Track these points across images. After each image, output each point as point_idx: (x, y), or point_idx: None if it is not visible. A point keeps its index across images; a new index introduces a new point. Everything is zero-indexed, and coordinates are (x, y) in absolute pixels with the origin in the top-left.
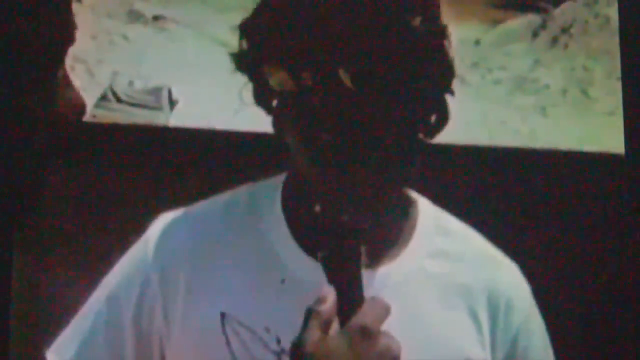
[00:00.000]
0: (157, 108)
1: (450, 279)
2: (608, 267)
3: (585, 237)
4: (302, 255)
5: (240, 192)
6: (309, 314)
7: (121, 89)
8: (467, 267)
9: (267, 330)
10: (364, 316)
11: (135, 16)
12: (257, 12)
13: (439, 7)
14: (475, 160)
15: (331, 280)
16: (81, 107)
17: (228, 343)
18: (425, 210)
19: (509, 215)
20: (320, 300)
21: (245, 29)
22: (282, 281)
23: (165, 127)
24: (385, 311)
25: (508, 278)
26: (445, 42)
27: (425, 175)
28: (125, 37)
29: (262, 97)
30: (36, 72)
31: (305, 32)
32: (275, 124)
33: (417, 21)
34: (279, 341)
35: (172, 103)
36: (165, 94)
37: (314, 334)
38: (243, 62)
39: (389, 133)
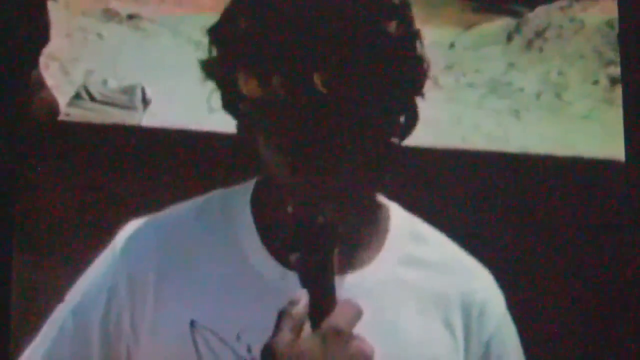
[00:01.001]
0: (131, 107)
1: (424, 286)
2: (584, 272)
3: (563, 243)
4: (272, 262)
5: (211, 198)
6: (281, 316)
7: (95, 87)
8: (441, 274)
9: (238, 338)
10: (336, 319)
11: (110, 15)
12: (226, 17)
13: (411, 10)
14: (449, 164)
15: (304, 282)
16: (54, 108)
17: (197, 351)
18: (397, 216)
19: (481, 218)
20: (293, 302)
21: (215, 35)
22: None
23: (139, 127)
24: (358, 314)
25: (482, 286)
26: (419, 46)
27: (399, 178)
28: (100, 36)
29: (230, 103)
30: (10, 71)
31: (276, 37)
32: (242, 128)
33: (392, 26)
34: (249, 349)
35: (145, 102)
36: (138, 93)
37: (286, 336)
38: (212, 69)
39: (363, 136)
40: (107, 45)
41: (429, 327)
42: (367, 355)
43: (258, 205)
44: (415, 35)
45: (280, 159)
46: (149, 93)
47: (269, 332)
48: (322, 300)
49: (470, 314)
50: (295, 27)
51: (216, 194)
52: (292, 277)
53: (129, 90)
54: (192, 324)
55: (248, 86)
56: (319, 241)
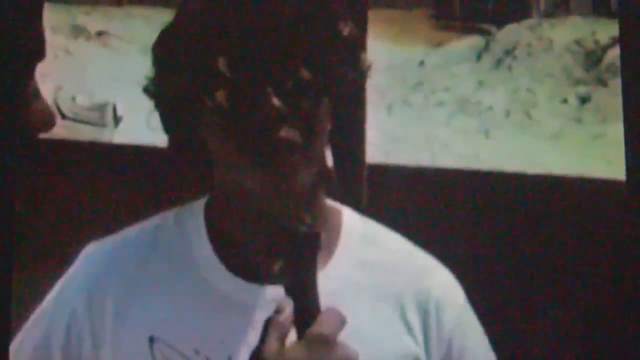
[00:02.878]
0: (102, 124)
1: (378, 288)
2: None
3: (535, 260)
4: (228, 275)
5: (166, 216)
6: (267, 324)
7: (65, 104)
8: (395, 275)
9: (197, 352)
10: (321, 326)
11: (78, 31)
12: (166, 33)
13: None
14: (419, 182)
15: (288, 290)
16: (51, 119)
17: None
18: (349, 219)
19: (452, 236)
20: (278, 310)
21: (156, 53)
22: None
23: (110, 144)
24: (342, 321)
25: (437, 282)
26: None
27: (369, 196)
28: (68, 52)
29: (174, 122)
30: (8, 83)
31: (224, 51)
32: (189, 142)
33: (346, 30)
34: None
35: (117, 120)
36: (109, 110)
37: (273, 344)
38: (155, 87)
39: (316, 141)
40: (76, 62)
41: (386, 328)
42: None
43: (212, 220)
44: (364, 39)
45: (247, 168)
46: (120, 111)
47: (228, 345)
48: (307, 308)
49: (427, 311)
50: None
51: (171, 211)
52: (247, 289)
53: (99, 108)
54: (151, 340)
55: (219, 96)
56: (302, 250)
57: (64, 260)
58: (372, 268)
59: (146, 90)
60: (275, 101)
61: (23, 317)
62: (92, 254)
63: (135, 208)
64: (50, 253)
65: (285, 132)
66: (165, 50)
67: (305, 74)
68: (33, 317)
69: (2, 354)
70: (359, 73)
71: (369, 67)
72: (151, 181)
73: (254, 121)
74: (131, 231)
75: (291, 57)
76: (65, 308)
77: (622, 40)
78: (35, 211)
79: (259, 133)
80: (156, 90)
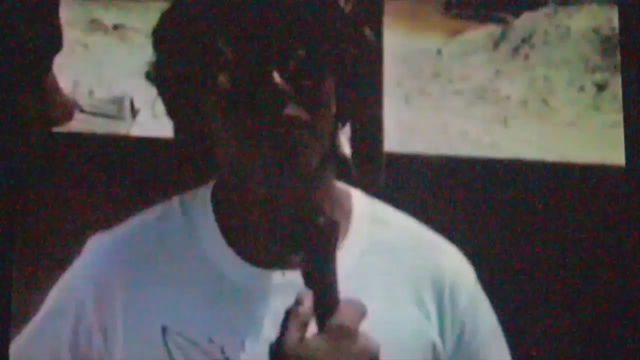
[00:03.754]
0: (119, 118)
1: (393, 272)
2: (576, 277)
3: (554, 249)
4: (238, 261)
5: (171, 204)
6: (288, 315)
7: (82, 98)
8: (408, 256)
9: (211, 341)
10: (342, 317)
11: (95, 25)
12: (167, 17)
13: None
14: (436, 171)
15: (308, 282)
16: (71, 111)
17: (171, 357)
18: (360, 201)
19: (471, 226)
20: (298, 301)
21: (157, 37)
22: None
23: (127, 137)
24: (362, 311)
25: (450, 263)
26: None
27: (387, 185)
28: (85, 46)
29: (177, 107)
30: (28, 76)
31: (225, 33)
32: (193, 129)
33: (348, 6)
34: (222, 351)
35: (134, 113)
36: (127, 103)
37: (294, 335)
38: (157, 71)
39: (322, 122)
40: (93, 56)
41: (402, 310)
42: (373, 352)
43: (220, 206)
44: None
45: (251, 155)
46: (137, 103)
47: (241, 333)
48: (327, 299)
49: (442, 292)
50: (248, 21)
51: (175, 199)
52: (259, 275)
53: (117, 101)
54: (164, 330)
55: (221, 79)
56: (321, 241)
57: (74, 253)
58: (385, 250)
59: (148, 75)
60: (279, 80)
61: (23, 315)
62: (97, 246)
63: (152, 199)
64: (59, 247)
65: (290, 110)
66: (165, 34)
67: (306, 52)
68: (39, 316)
69: (2, 355)
70: (362, 50)
71: (374, 43)
72: (167, 172)
73: (258, 101)
74: (136, 221)
75: (292, 35)
76: (73, 304)
77: (622, 36)
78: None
79: (264, 113)
80: (158, 75)
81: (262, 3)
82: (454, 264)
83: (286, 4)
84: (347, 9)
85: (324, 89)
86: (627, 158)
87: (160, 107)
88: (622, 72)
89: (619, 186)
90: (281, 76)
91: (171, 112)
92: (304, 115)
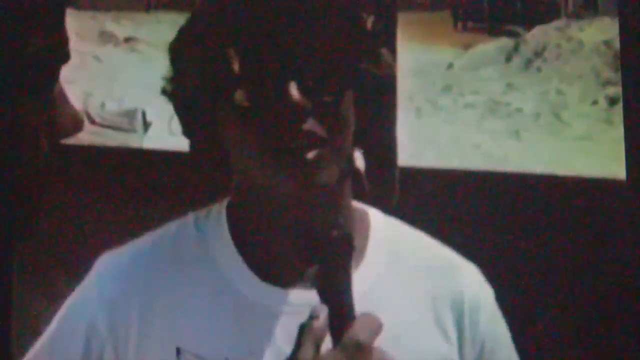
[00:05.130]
0: (131, 130)
1: (412, 289)
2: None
3: (563, 261)
4: (254, 280)
5: (185, 221)
6: (302, 330)
7: (94, 110)
8: (427, 275)
9: None
10: (357, 332)
11: (106, 37)
12: (183, 33)
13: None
14: (448, 184)
15: (322, 296)
16: (80, 121)
17: None
18: (377, 220)
19: (483, 238)
20: (313, 316)
21: (173, 53)
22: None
23: (140, 149)
24: (378, 327)
25: (469, 281)
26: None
27: (399, 198)
28: (97, 58)
29: (193, 123)
30: (34, 86)
31: (242, 48)
32: (209, 146)
33: (369, 22)
34: None
35: (146, 125)
36: (139, 116)
37: (308, 351)
38: (173, 87)
39: (340, 135)
40: (105, 68)
41: (421, 329)
42: None
43: (235, 223)
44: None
45: (271, 170)
46: (150, 116)
47: (258, 352)
48: (342, 314)
49: (462, 312)
50: (264, 35)
51: (188, 217)
52: (276, 293)
53: (129, 114)
54: (178, 351)
55: (237, 96)
56: (335, 255)
57: (85, 266)
58: (403, 268)
59: (164, 91)
60: (297, 95)
61: (23, 318)
62: (108, 265)
63: (164, 212)
64: (72, 260)
65: (308, 126)
66: (182, 50)
67: (326, 67)
68: (46, 336)
69: (3, 354)
70: (381, 68)
71: (392, 62)
72: (180, 185)
73: (276, 117)
74: (149, 238)
75: (312, 50)
76: (83, 323)
77: (622, 40)
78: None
79: (282, 128)
80: (174, 91)
81: (281, 18)
82: (473, 284)
83: (305, 18)
84: (368, 25)
85: (343, 104)
86: (627, 171)
87: (177, 124)
88: (623, 85)
89: (631, 200)
90: (299, 91)
91: (187, 127)
92: (321, 131)
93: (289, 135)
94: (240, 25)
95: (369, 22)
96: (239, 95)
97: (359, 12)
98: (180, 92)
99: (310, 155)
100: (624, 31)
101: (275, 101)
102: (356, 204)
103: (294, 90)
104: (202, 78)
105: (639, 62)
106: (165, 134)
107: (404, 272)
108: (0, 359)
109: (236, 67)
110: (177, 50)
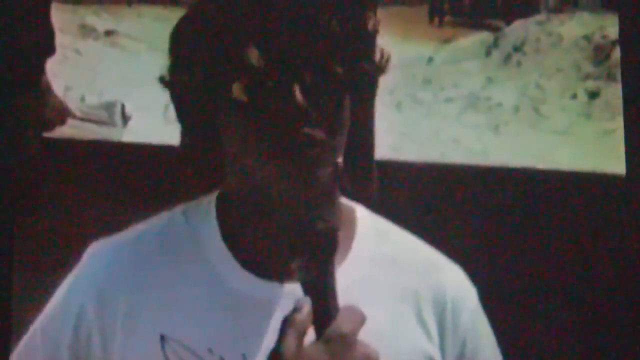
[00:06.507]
0: (110, 123)
1: (395, 286)
2: (562, 282)
3: (543, 255)
4: (241, 272)
5: (174, 213)
6: (286, 323)
7: (74, 104)
8: (411, 272)
9: (210, 351)
10: (341, 325)
11: (87, 31)
12: (184, 22)
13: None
14: (428, 178)
15: (306, 289)
16: (64, 114)
17: None
18: (363, 216)
19: (462, 232)
20: (297, 309)
21: (173, 41)
22: None
23: (119, 143)
24: (362, 319)
25: (452, 281)
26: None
27: (378, 192)
28: (77, 52)
29: (189, 114)
30: (22, 78)
31: (245, 41)
32: (200, 137)
33: (371, 23)
34: None
35: (125, 119)
36: (118, 109)
37: (291, 343)
38: (171, 76)
39: (338, 137)
40: (85, 62)
41: (403, 325)
42: None
43: (224, 216)
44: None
45: (267, 164)
46: (129, 109)
47: (241, 344)
48: (325, 307)
49: (444, 310)
50: (265, 31)
51: (178, 208)
52: (261, 286)
53: (108, 107)
54: (163, 338)
55: (235, 90)
56: (320, 247)
57: (70, 260)
58: (388, 265)
59: (162, 80)
60: (300, 97)
61: (23, 316)
62: (99, 253)
63: (143, 206)
64: (54, 253)
65: (309, 130)
66: (182, 39)
67: (331, 69)
68: (38, 321)
69: (3, 355)
70: (377, 68)
71: (387, 60)
72: (160, 179)
73: (276, 116)
74: (138, 229)
75: (317, 51)
76: (73, 307)
77: (622, 39)
78: (38, 211)
79: (281, 129)
80: (172, 79)
81: (287, 13)
82: (456, 283)
83: (312, 16)
84: (370, 26)
85: (343, 107)
86: (627, 166)
87: (173, 113)
88: (622, 80)
89: (614, 194)
90: (302, 92)
91: (182, 117)
92: (321, 135)
93: (289, 135)
94: (244, 17)
95: (371, 22)
96: (237, 89)
97: (365, 11)
98: (179, 81)
99: (310, 155)
100: (624, 30)
101: (277, 101)
102: (343, 201)
103: (298, 94)
104: (202, 68)
105: (639, 61)
106: (145, 127)
107: (388, 268)
108: (0, 358)
109: (237, 59)
110: (178, 39)
